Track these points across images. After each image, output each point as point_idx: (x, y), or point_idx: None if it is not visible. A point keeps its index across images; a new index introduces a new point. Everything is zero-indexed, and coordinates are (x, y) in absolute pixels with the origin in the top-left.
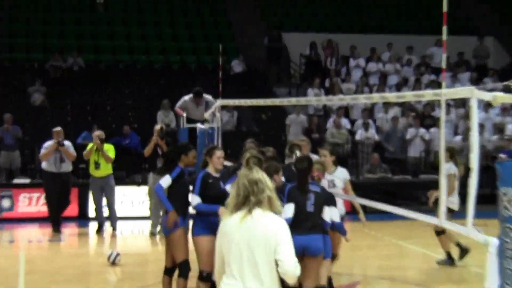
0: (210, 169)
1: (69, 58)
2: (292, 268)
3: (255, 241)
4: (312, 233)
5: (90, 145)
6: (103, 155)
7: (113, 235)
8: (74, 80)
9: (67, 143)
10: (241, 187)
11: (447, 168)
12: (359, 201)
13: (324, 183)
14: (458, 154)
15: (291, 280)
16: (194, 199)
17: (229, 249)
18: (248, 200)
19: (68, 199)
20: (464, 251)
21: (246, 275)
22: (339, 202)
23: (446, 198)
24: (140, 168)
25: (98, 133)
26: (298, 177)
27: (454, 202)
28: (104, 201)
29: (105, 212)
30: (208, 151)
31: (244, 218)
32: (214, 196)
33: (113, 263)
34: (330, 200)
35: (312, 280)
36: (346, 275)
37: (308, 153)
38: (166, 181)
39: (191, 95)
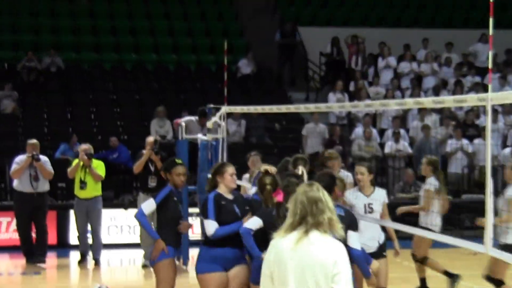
0: (221, 190)
1: (45, 58)
2: None
3: (312, 267)
4: None
5: (75, 162)
6: (91, 173)
7: (97, 267)
8: (51, 84)
9: (43, 158)
10: (298, 206)
11: (428, 182)
12: (394, 226)
13: (360, 207)
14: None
15: None
16: (210, 225)
17: (281, 273)
18: (305, 220)
19: (44, 225)
20: (455, 277)
21: None
22: (377, 228)
23: (491, 225)
24: (131, 188)
25: (84, 147)
26: None
27: (434, 224)
28: (89, 227)
29: (89, 240)
30: (217, 169)
31: (300, 241)
32: (228, 222)
33: None
34: (354, 224)
35: None
36: None
37: (339, 170)
38: (148, 206)
39: (196, 117)
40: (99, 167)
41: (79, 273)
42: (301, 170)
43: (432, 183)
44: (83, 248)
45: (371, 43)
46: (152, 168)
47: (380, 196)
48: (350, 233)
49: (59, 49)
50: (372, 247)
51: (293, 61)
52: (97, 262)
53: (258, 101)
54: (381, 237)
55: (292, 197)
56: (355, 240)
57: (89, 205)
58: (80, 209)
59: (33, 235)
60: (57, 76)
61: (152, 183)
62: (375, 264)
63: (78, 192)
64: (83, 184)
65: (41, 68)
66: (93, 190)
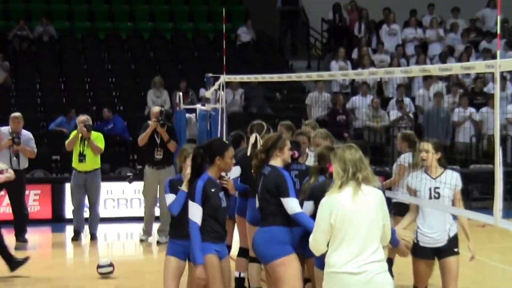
0: (211, 172)
1: (37, 27)
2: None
3: (371, 215)
4: None
5: (73, 134)
6: (90, 146)
7: (94, 241)
8: (43, 54)
9: (26, 135)
10: (348, 164)
11: (402, 157)
12: (466, 214)
13: (425, 192)
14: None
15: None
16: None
17: (344, 225)
18: (356, 176)
19: (22, 203)
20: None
21: (365, 248)
22: (446, 218)
23: (501, 196)
24: (127, 160)
25: (83, 118)
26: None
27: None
28: (86, 201)
29: (86, 214)
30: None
31: (356, 194)
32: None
33: (102, 275)
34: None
35: None
36: None
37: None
38: (196, 213)
39: None
40: (98, 139)
41: (74, 248)
42: (254, 136)
43: (406, 158)
44: (77, 224)
45: (374, 9)
46: (158, 140)
47: (450, 180)
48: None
49: (52, 18)
50: (440, 240)
51: (295, 29)
52: (93, 237)
53: (258, 70)
54: (452, 229)
55: (336, 158)
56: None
57: (87, 178)
58: (78, 183)
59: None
60: (50, 45)
61: (158, 155)
62: (400, 230)
63: (76, 164)
64: (82, 157)
65: (33, 37)
66: (92, 162)
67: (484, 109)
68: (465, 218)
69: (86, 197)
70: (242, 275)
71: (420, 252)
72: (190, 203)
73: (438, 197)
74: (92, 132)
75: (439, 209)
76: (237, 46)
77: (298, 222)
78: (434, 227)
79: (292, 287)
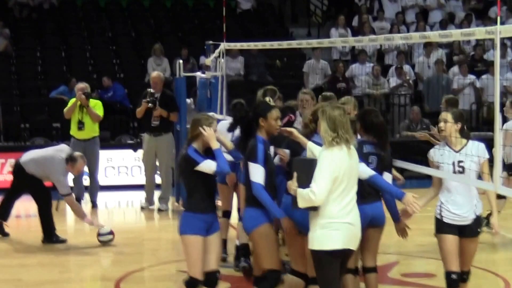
0: (261, 134)
1: None
2: None
3: (356, 169)
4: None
5: (72, 101)
6: (89, 113)
7: (94, 209)
8: (44, 21)
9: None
10: (338, 125)
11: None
12: (492, 188)
13: (448, 166)
14: None
15: None
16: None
17: (345, 178)
18: (345, 137)
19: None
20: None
21: (354, 202)
22: (473, 194)
23: (500, 162)
24: (128, 127)
25: (81, 85)
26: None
27: None
28: (86, 168)
29: (85, 182)
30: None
31: (349, 151)
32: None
33: (102, 242)
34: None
35: (375, 254)
36: (381, 254)
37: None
38: (260, 174)
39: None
40: (97, 106)
41: (75, 216)
42: (268, 99)
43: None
44: (77, 192)
45: None
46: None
47: (476, 151)
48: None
49: None
50: (467, 219)
51: None
52: (94, 205)
53: (258, 37)
54: (478, 206)
55: (325, 116)
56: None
57: (86, 146)
58: (77, 150)
59: None
60: (50, 13)
61: (155, 121)
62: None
63: (75, 132)
64: (81, 125)
65: (34, 5)
66: (91, 130)
67: (484, 76)
68: (492, 191)
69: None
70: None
71: (446, 229)
72: (252, 164)
73: (463, 171)
74: (91, 99)
75: (461, 182)
76: (237, 14)
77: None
78: (459, 204)
79: None
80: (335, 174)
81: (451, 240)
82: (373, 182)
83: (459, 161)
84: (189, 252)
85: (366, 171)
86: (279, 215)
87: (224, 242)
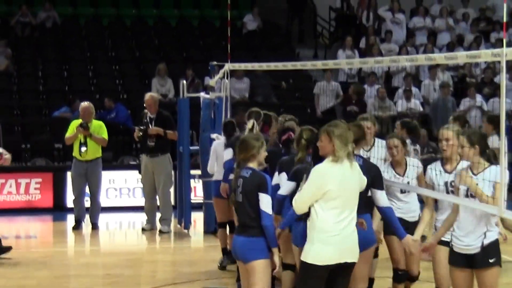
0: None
1: (40, 12)
2: None
3: (359, 185)
4: None
5: (74, 124)
6: (94, 140)
7: (95, 231)
8: (46, 40)
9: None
10: (345, 140)
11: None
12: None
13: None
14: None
15: None
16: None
17: (340, 193)
18: (349, 150)
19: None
20: None
21: (352, 215)
22: (488, 221)
23: (505, 186)
24: (131, 149)
25: (84, 105)
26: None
27: None
28: (87, 189)
29: (87, 203)
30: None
31: (352, 166)
32: None
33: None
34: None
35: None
36: (387, 278)
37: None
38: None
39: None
40: (101, 129)
41: (75, 238)
42: (252, 122)
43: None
44: (78, 213)
45: None
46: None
47: (491, 176)
48: (377, 191)
49: (55, 3)
50: (472, 247)
51: (302, 16)
52: (95, 226)
53: (264, 58)
54: (488, 235)
55: (335, 135)
56: (385, 197)
57: (88, 167)
58: (79, 171)
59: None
60: (53, 32)
61: (150, 142)
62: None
63: (77, 154)
64: (82, 146)
65: (36, 23)
66: (94, 151)
67: (492, 100)
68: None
69: (87, 186)
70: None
71: (455, 259)
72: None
73: (473, 195)
74: (94, 121)
75: (436, 197)
76: (243, 34)
77: None
78: (466, 230)
79: None
80: (325, 188)
81: (457, 274)
82: (385, 213)
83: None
84: (265, 276)
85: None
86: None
87: (225, 250)
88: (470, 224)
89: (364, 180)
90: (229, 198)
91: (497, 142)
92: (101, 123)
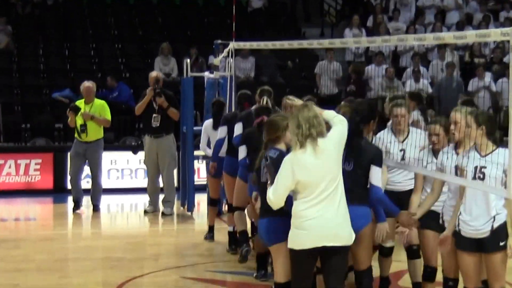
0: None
1: None
2: None
3: (332, 168)
4: None
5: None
6: (96, 122)
7: (96, 213)
8: (47, 18)
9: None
10: (301, 121)
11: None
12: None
13: (469, 170)
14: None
15: None
16: None
17: (308, 181)
18: (310, 132)
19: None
20: None
21: (325, 201)
22: (491, 202)
23: None
24: (133, 129)
25: (87, 83)
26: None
27: None
28: (88, 171)
29: (88, 184)
30: None
31: (316, 150)
32: None
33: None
34: (379, 157)
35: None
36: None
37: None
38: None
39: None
40: (103, 108)
41: (76, 220)
42: (265, 99)
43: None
44: (75, 194)
45: None
46: (156, 107)
47: (500, 158)
48: (374, 168)
49: None
50: (481, 231)
51: None
52: (96, 208)
53: (270, 37)
54: (498, 218)
55: (291, 117)
56: (378, 175)
57: (88, 148)
58: (78, 151)
59: None
60: (54, 9)
61: (155, 122)
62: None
63: (78, 135)
64: (83, 127)
65: (37, 1)
66: (95, 133)
67: (501, 80)
68: None
69: (88, 167)
70: (235, 228)
71: (463, 243)
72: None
73: (483, 178)
74: (96, 100)
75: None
76: (248, 13)
77: None
78: (474, 214)
79: None
80: (296, 178)
81: (467, 258)
82: (374, 192)
83: (482, 167)
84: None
85: (377, 179)
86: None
87: (212, 228)
88: (478, 208)
89: (342, 138)
90: (215, 176)
91: (417, 116)
92: (103, 102)
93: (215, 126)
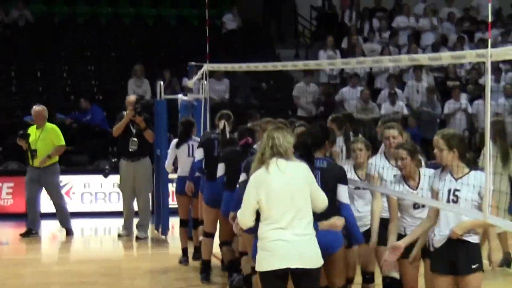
0: None
1: (12, 11)
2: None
3: (296, 185)
4: None
5: (31, 131)
6: (54, 156)
7: (69, 237)
8: (19, 39)
9: None
10: (269, 140)
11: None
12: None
13: (443, 193)
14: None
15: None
16: None
17: (272, 199)
18: (277, 150)
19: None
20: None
21: (291, 222)
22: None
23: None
24: (107, 152)
25: (37, 108)
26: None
27: None
28: (47, 197)
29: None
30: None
31: (280, 167)
32: None
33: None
34: (343, 176)
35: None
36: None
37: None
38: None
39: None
40: (54, 133)
41: (49, 244)
42: (223, 123)
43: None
44: (31, 221)
45: None
46: (133, 130)
47: (474, 181)
48: (341, 186)
49: (28, 1)
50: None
51: (282, 16)
52: (69, 232)
53: (244, 58)
54: (472, 238)
55: (263, 136)
56: (346, 194)
57: (41, 174)
58: (31, 177)
59: None
60: (26, 30)
61: (132, 146)
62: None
63: (30, 160)
64: (33, 152)
65: (8, 22)
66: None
67: (476, 102)
68: (493, 229)
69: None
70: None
71: (436, 265)
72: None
73: (456, 201)
74: (47, 124)
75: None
76: (222, 34)
77: None
78: (444, 232)
79: None
80: (258, 197)
81: (440, 282)
82: (342, 209)
83: (455, 190)
84: None
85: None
86: (360, 239)
87: (185, 251)
88: (448, 228)
89: (309, 177)
90: (193, 196)
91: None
92: (54, 126)
93: (179, 144)
